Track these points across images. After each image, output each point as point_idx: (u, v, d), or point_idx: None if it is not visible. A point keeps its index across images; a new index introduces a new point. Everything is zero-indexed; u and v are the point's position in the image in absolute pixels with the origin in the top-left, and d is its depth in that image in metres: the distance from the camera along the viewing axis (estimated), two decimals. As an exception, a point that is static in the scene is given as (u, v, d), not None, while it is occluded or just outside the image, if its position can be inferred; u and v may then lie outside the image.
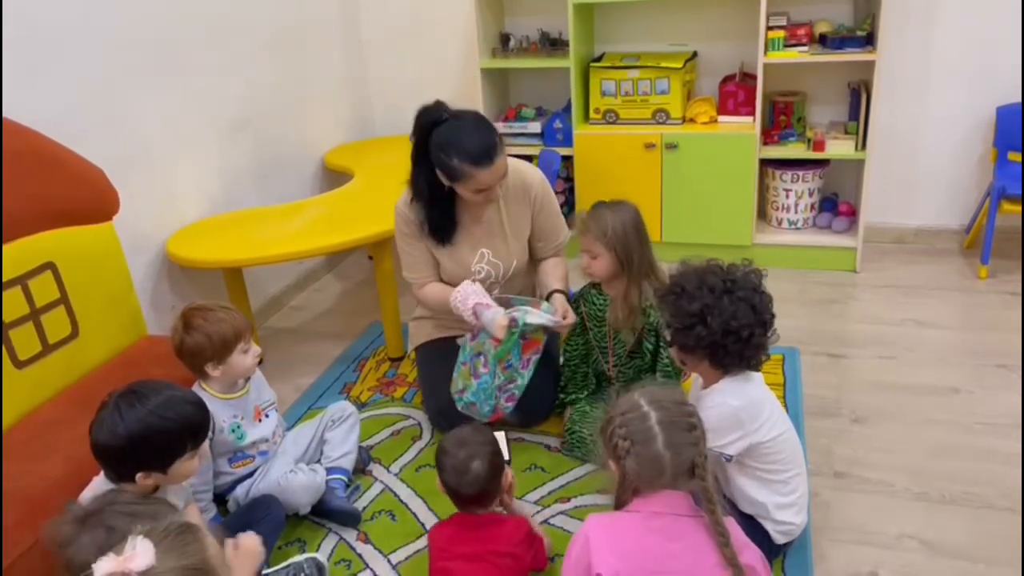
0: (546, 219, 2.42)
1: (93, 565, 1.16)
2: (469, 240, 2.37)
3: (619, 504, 1.55)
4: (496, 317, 2.13)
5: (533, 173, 2.40)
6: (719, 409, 1.72)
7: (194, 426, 1.67)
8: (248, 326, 2.07)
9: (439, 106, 2.20)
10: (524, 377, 2.24)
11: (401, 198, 2.37)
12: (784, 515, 1.81)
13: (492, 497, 1.81)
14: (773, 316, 1.76)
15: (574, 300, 2.37)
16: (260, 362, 2.15)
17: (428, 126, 2.17)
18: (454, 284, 2.30)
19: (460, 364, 2.27)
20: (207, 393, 2.03)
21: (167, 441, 1.62)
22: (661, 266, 2.23)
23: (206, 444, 1.74)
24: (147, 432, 1.60)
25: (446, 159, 2.14)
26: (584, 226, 2.21)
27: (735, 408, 1.72)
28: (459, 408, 2.28)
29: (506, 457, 1.99)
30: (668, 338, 1.81)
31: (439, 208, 2.30)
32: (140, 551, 1.15)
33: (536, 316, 2.15)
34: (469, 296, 2.20)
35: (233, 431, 2.07)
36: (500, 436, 1.97)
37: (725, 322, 1.67)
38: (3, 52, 2.14)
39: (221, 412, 2.04)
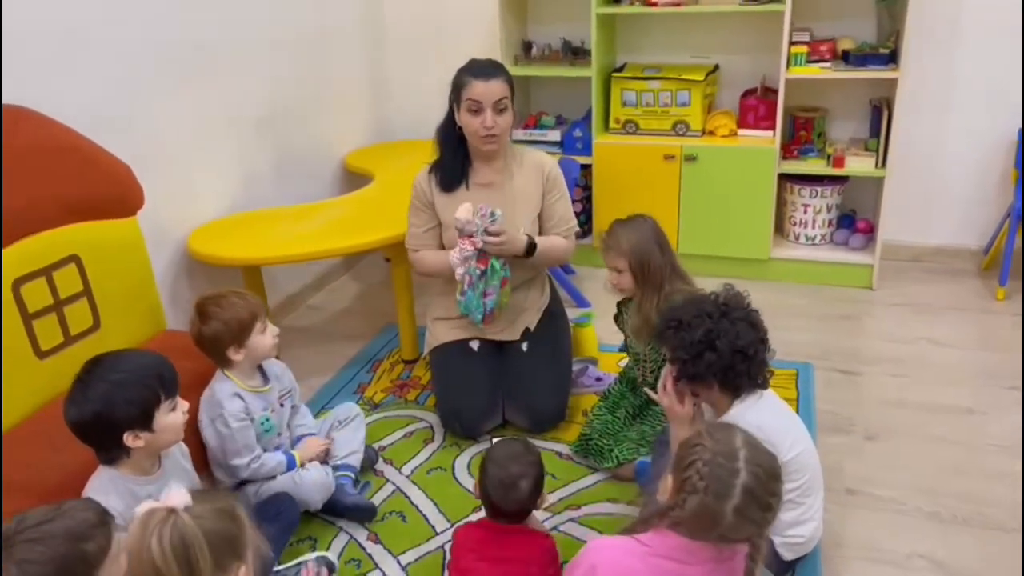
0: (557, 201, 2.53)
1: (136, 509, 1.28)
2: (478, 203, 2.41)
3: (642, 519, 1.49)
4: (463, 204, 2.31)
5: (548, 158, 2.58)
6: None
7: (158, 373, 1.68)
8: (262, 307, 2.11)
9: None
10: (489, 278, 2.37)
11: (421, 171, 2.53)
12: (796, 530, 1.81)
13: (526, 515, 1.84)
14: (766, 330, 1.78)
15: (616, 315, 2.42)
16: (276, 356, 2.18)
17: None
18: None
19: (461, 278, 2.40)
20: (234, 383, 2.07)
21: (136, 393, 1.63)
22: (687, 273, 2.26)
23: (184, 403, 1.75)
24: (113, 391, 1.61)
25: (456, 78, 2.38)
26: (605, 244, 2.27)
27: (753, 427, 1.69)
28: (460, 311, 2.42)
29: None
30: (674, 374, 1.79)
31: (453, 151, 2.45)
32: (175, 492, 1.27)
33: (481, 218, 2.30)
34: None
35: (263, 423, 2.10)
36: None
37: (731, 342, 1.69)
38: (27, 49, 2.18)
39: (253, 403, 2.09)
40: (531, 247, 2.40)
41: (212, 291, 2.11)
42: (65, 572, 1.27)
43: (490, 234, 2.27)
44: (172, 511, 1.25)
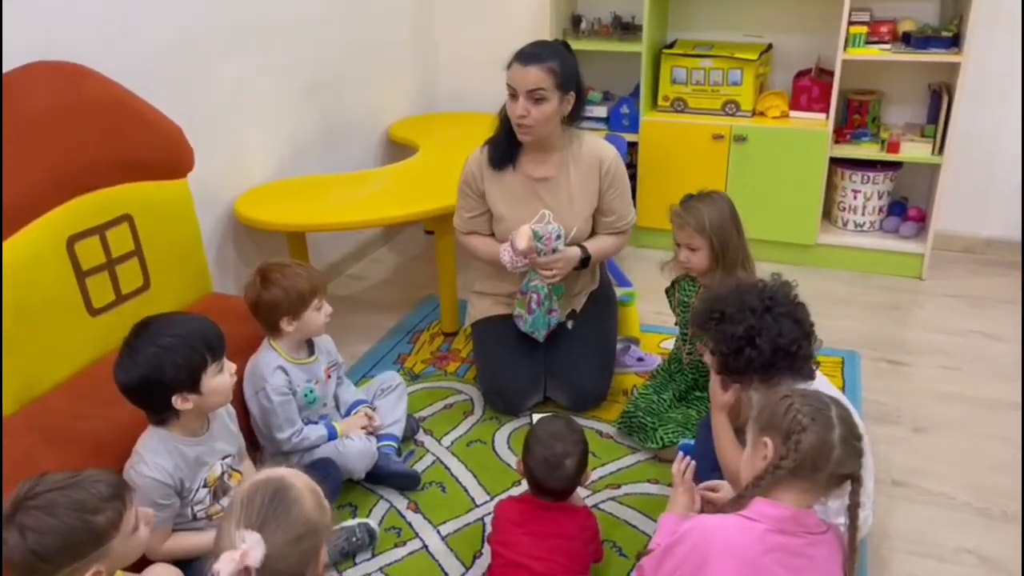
0: (615, 197, 2.42)
1: (215, 567, 1.13)
2: (532, 198, 2.39)
3: (744, 490, 1.46)
4: (522, 229, 2.26)
5: (609, 149, 2.43)
6: None
7: (206, 336, 1.69)
8: (323, 283, 2.12)
9: None
10: (555, 293, 2.40)
11: (474, 152, 2.46)
12: (840, 518, 1.78)
13: (570, 493, 1.83)
14: (813, 324, 1.72)
15: (669, 289, 2.37)
16: None
17: None
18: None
19: (519, 293, 2.39)
20: (278, 355, 2.07)
21: (184, 356, 1.64)
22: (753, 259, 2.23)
23: (231, 365, 1.75)
24: (160, 353, 1.63)
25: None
26: (681, 220, 2.19)
27: None
28: (521, 329, 2.42)
29: None
30: (714, 367, 1.75)
31: (508, 131, 2.35)
32: (250, 545, 1.14)
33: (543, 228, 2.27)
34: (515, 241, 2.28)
35: (306, 395, 2.11)
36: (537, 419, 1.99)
37: (773, 340, 1.64)
38: (85, 9, 2.19)
39: (296, 376, 2.09)
40: (585, 260, 2.37)
41: (276, 259, 2.12)
42: (70, 544, 1.26)
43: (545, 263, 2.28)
44: (248, 571, 1.14)
